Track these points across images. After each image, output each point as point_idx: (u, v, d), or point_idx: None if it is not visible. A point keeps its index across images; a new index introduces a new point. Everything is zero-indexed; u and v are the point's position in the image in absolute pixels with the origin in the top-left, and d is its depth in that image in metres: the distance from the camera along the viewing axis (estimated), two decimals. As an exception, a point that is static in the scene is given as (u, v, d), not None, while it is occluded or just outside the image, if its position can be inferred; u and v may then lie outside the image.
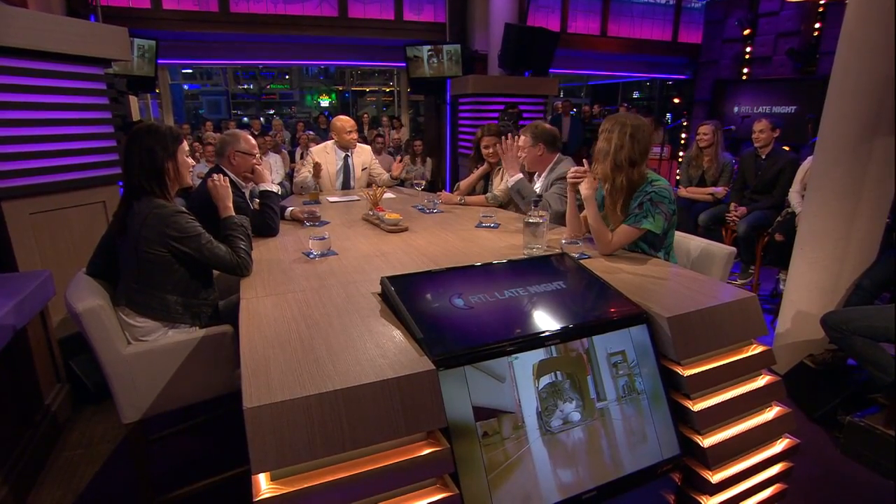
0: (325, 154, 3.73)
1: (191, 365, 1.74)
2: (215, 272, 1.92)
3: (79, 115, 2.88)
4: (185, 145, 1.85)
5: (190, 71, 13.65)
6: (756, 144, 3.89)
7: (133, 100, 6.39)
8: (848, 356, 2.58)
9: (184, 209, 1.76)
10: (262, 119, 8.78)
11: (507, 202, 3.21)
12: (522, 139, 2.74)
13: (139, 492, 1.84)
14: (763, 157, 3.87)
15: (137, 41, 5.93)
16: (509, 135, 2.77)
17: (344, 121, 3.71)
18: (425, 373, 1.15)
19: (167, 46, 6.63)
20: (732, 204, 3.95)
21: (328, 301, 1.55)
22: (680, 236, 2.24)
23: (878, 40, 2.39)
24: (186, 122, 9.10)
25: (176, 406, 1.77)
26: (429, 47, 7.43)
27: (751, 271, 4.00)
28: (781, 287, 3.74)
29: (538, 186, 2.79)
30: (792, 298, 2.86)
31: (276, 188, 2.48)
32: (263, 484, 1.03)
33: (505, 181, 3.10)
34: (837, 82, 2.60)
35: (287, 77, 14.98)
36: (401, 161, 3.81)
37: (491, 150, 3.20)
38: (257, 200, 2.49)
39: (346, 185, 3.80)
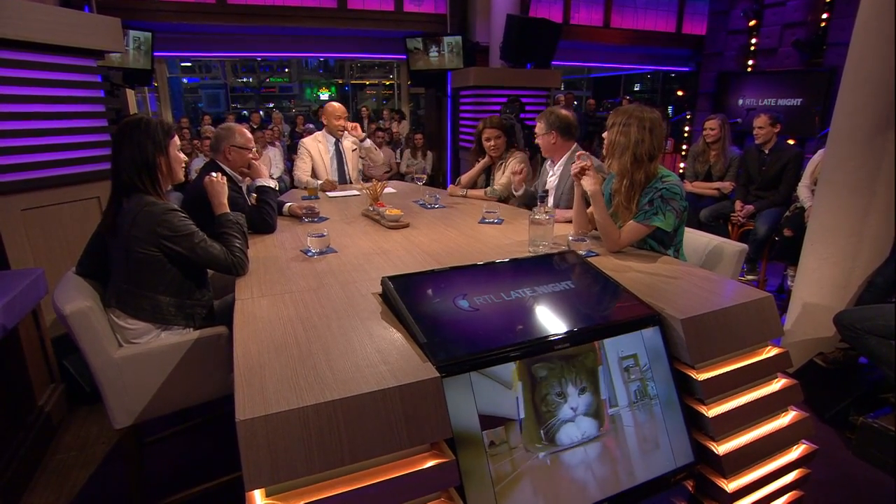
0: (317, 143, 3.70)
1: (185, 368, 1.68)
2: (210, 271, 1.85)
3: (71, 109, 2.81)
4: (177, 139, 1.77)
5: (189, 64, 13.54)
6: (756, 140, 3.81)
7: (130, 93, 6.30)
8: (859, 355, 2.52)
9: (176, 207, 1.69)
10: (261, 112, 8.70)
11: (508, 196, 3.15)
12: (538, 126, 2.67)
13: (133, 498, 1.78)
14: (766, 152, 3.79)
15: (133, 33, 5.83)
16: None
17: (335, 107, 3.69)
18: (429, 380, 1.09)
19: (163, 38, 6.53)
20: (738, 202, 3.87)
21: (327, 302, 1.49)
22: (689, 233, 2.17)
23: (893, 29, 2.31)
24: (185, 116, 9.00)
25: (170, 410, 1.71)
26: (429, 39, 7.32)
27: (757, 270, 3.94)
28: (789, 283, 3.68)
29: (553, 176, 2.71)
30: (802, 295, 2.79)
31: (273, 183, 2.41)
32: (258, 500, 0.97)
33: (507, 177, 3.05)
34: (851, 73, 2.51)
35: (286, 70, 14.86)
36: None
37: (492, 143, 3.12)
38: (254, 195, 2.42)
39: (341, 170, 3.77)
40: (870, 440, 2.15)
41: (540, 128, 2.65)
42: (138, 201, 1.63)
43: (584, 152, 2.01)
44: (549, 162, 2.76)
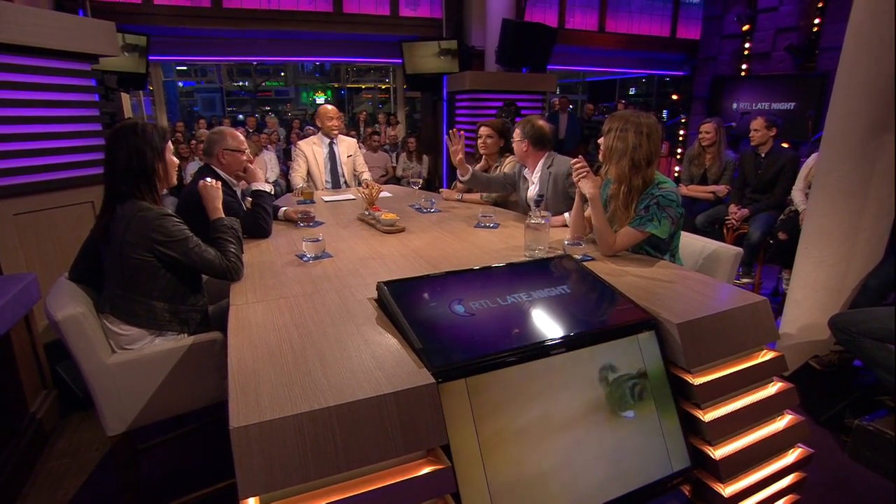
0: (312, 146, 3.78)
1: (179, 374, 1.67)
2: (205, 277, 1.84)
3: (65, 113, 2.79)
4: (170, 143, 1.77)
5: (184, 68, 13.50)
6: (752, 143, 3.83)
7: (125, 97, 6.28)
8: (854, 358, 2.53)
9: (170, 212, 1.68)
10: (256, 116, 8.69)
11: (504, 201, 3.15)
12: (515, 132, 2.76)
13: (127, 504, 1.77)
14: (762, 155, 3.81)
15: (127, 37, 5.81)
16: (452, 132, 2.88)
17: (328, 108, 3.79)
18: (424, 386, 1.08)
19: (159, 42, 6.52)
20: (732, 206, 3.88)
21: (322, 307, 1.48)
22: (685, 237, 2.17)
23: (888, 34, 2.33)
24: (181, 120, 8.98)
25: (164, 417, 1.69)
26: (425, 43, 7.33)
27: (752, 273, 3.95)
28: (784, 286, 3.69)
29: (533, 185, 2.74)
30: (796, 298, 2.80)
31: (268, 187, 2.40)
32: (252, 509, 0.96)
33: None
34: (844, 77, 2.53)
35: (282, 74, 14.86)
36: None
37: (482, 141, 3.22)
38: (249, 199, 2.41)
39: (334, 173, 3.82)
40: (865, 443, 2.16)
41: (516, 134, 2.74)
42: (132, 207, 1.61)
43: (580, 157, 2.01)
44: (526, 171, 2.80)
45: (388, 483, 1.02)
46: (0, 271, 2.47)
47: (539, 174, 2.71)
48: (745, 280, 3.94)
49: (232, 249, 1.77)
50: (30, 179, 2.59)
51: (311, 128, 7.42)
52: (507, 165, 3.11)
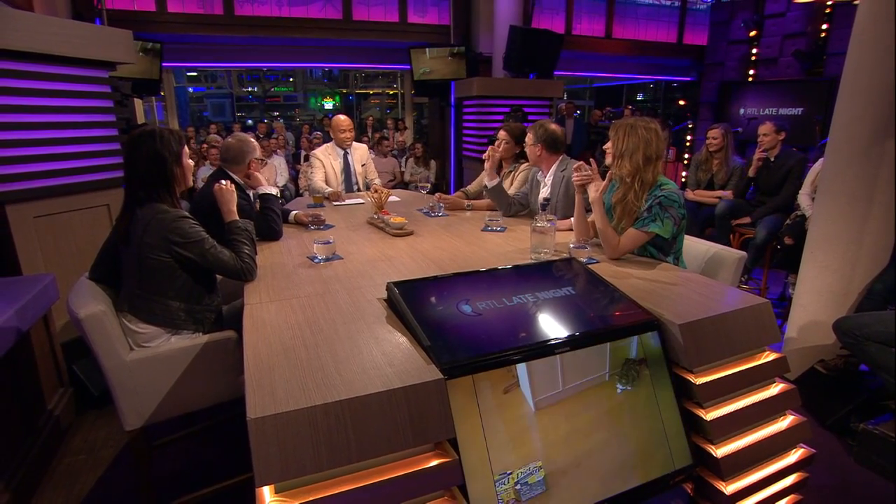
0: (327, 154, 3.88)
1: (194, 371, 1.72)
2: (219, 277, 1.90)
3: (83, 119, 2.86)
4: (186, 147, 1.83)
5: (195, 74, 13.68)
6: (761, 147, 3.85)
7: (138, 103, 6.40)
8: (860, 362, 2.54)
9: (187, 214, 1.74)
10: (265, 121, 8.81)
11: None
12: (528, 136, 2.79)
13: (142, 499, 1.81)
14: (772, 159, 3.84)
15: (142, 44, 5.93)
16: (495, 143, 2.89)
17: (339, 120, 3.88)
18: (433, 382, 1.12)
19: (172, 49, 6.64)
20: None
21: (333, 307, 1.53)
22: (689, 240, 2.20)
23: (891, 39, 2.35)
24: (191, 125, 9.11)
25: (179, 413, 1.75)
26: (433, 49, 7.41)
27: (753, 277, 3.97)
28: (790, 291, 3.69)
29: (545, 187, 2.77)
30: (802, 303, 2.81)
31: (273, 190, 2.46)
32: (268, 496, 1.00)
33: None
34: (849, 83, 2.55)
35: (291, 80, 15.00)
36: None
37: (498, 143, 3.19)
38: (257, 203, 2.48)
39: (348, 181, 3.93)
40: (871, 447, 2.17)
41: (529, 138, 2.77)
42: (151, 209, 1.67)
43: (581, 163, 2.05)
44: (540, 174, 2.83)
45: (397, 475, 1.06)
46: (20, 272, 2.54)
47: (552, 178, 2.74)
48: (744, 288, 3.95)
49: (246, 251, 1.82)
50: (49, 183, 2.66)
51: (320, 133, 7.51)
52: (522, 173, 3.13)
